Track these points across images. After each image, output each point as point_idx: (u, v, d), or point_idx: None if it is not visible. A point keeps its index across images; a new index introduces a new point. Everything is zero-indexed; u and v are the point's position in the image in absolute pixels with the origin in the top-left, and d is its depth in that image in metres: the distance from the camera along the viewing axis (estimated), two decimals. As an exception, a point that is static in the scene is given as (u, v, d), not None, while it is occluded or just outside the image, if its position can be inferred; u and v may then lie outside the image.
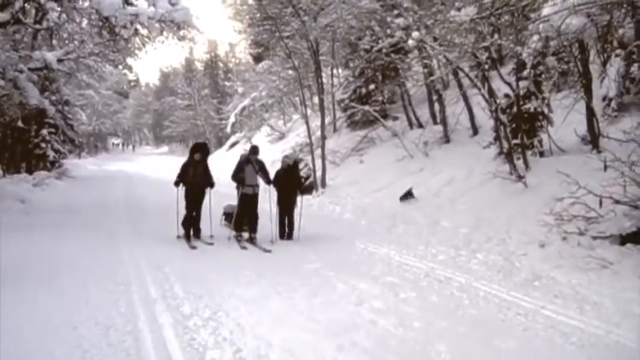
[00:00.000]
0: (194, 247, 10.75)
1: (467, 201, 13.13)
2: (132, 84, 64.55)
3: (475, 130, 17.27)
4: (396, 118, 22.49)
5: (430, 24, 14.47)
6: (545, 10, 9.39)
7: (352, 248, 10.85)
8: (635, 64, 12.62)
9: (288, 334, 5.97)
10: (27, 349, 5.37)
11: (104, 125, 59.80)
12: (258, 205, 11.81)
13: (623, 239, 8.74)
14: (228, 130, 44.74)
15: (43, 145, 26.47)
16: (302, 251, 10.52)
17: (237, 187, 11.77)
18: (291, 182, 12.06)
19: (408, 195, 14.66)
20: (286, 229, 11.87)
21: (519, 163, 12.74)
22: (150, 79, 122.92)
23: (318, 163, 19.74)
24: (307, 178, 19.85)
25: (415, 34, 13.88)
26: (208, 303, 6.97)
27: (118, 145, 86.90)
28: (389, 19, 17.12)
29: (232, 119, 42.45)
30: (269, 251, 10.61)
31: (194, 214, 11.57)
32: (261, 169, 11.88)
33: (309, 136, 21.48)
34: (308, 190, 18.62)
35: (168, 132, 70.27)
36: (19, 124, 21.83)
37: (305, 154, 21.66)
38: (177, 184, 11.61)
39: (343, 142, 23.59)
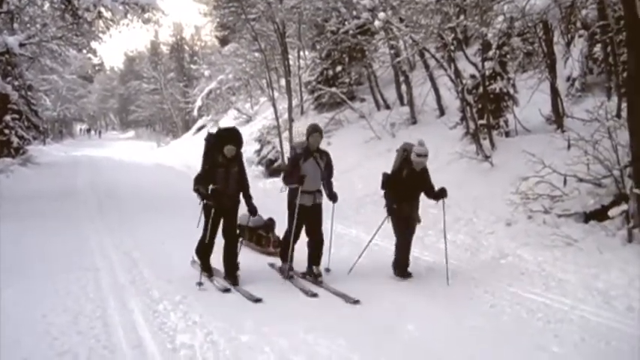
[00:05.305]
0: (227, 290, 6.97)
1: (434, 181, 13.08)
2: (96, 68, 63.25)
3: (442, 111, 17.34)
4: (363, 100, 22.48)
5: (396, 5, 14.43)
6: (510, -9, 9.46)
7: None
8: (598, 45, 12.79)
9: (259, 316, 5.99)
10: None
11: (69, 110, 58.50)
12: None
13: (587, 217, 8.88)
14: (195, 113, 44.34)
15: (6, 131, 25.92)
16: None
17: (291, 195, 7.64)
18: (418, 189, 8.33)
19: None
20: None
21: (485, 143, 12.84)
22: (115, 63, 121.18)
23: (286, 145, 19.64)
24: (275, 160, 19.87)
25: (381, 15, 13.82)
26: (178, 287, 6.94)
27: (86, 130, 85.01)
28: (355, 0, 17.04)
29: (199, 103, 42.00)
30: (358, 301, 6.56)
31: (219, 239, 7.51)
32: (328, 166, 8.10)
33: (277, 119, 21.37)
34: (276, 172, 18.64)
35: (135, 116, 69.49)
36: (-19, 110, 21.35)
37: (272, 136, 21.51)
38: (207, 199, 7.28)
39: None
